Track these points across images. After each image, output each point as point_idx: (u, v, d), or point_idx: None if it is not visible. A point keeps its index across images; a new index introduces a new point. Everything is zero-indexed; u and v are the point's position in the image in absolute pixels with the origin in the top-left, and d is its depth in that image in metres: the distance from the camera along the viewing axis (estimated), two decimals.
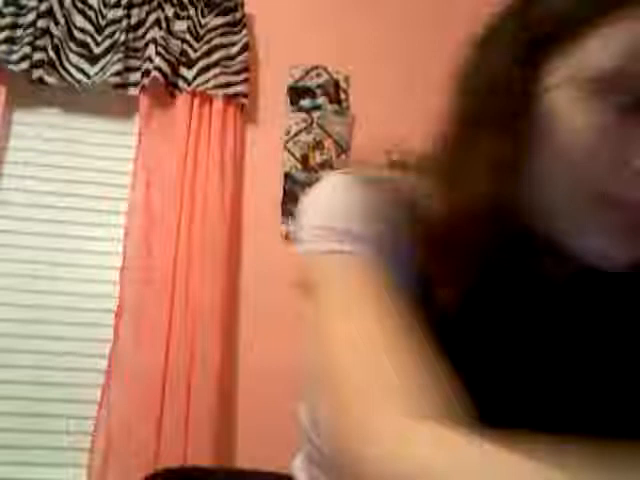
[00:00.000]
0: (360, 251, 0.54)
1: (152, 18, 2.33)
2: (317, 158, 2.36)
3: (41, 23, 2.25)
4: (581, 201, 0.49)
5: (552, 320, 0.55)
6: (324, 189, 0.60)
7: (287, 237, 2.28)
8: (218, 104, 2.29)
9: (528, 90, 0.51)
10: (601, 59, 0.47)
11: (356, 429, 0.45)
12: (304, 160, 2.36)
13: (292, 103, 2.42)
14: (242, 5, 2.40)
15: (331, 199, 0.59)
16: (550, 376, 0.54)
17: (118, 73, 2.25)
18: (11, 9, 2.26)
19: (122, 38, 2.28)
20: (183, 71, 2.32)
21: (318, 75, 2.45)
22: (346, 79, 2.45)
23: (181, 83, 2.31)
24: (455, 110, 0.58)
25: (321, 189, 0.61)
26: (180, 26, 2.35)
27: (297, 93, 2.43)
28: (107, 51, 2.29)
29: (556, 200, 0.51)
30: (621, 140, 0.47)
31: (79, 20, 2.31)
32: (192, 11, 2.37)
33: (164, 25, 2.32)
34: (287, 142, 2.37)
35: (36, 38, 2.23)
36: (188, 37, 2.34)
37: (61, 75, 2.25)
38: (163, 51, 2.28)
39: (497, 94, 0.53)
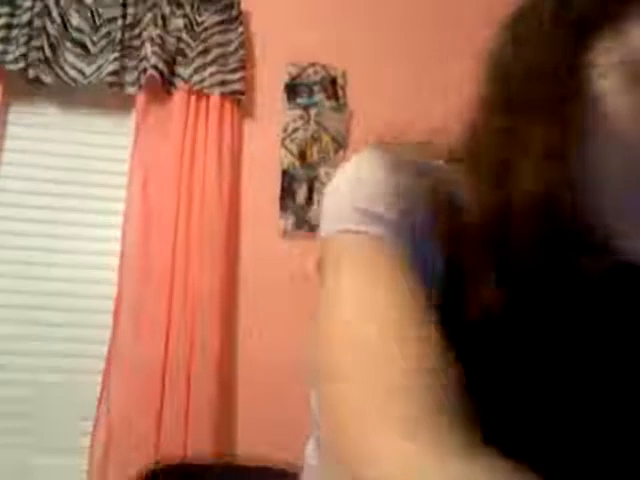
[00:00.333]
0: (377, 232, 0.51)
1: (148, 16, 2.33)
2: (315, 154, 2.36)
3: (37, 22, 2.25)
4: (636, 185, 0.46)
5: (593, 317, 0.51)
6: (349, 169, 0.58)
7: (285, 233, 2.28)
8: (215, 102, 2.29)
9: (577, 73, 0.49)
10: None
11: (353, 449, 0.42)
12: (302, 156, 2.36)
13: (289, 100, 2.42)
14: (238, 2, 2.40)
15: (355, 179, 0.56)
16: (588, 370, 0.51)
17: (115, 72, 2.25)
18: (6, 9, 2.25)
19: (118, 36, 2.28)
20: (179, 69, 2.32)
21: (315, 71, 2.45)
22: (343, 75, 2.46)
23: (178, 81, 2.31)
24: (488, 98, 0.55)
25: (346, 169, 0.58)
26: (176, 24, 2.35)
27: (294, 90, 2.43)
28: (103, 50, 2.29)
29: (610, 188, 0.48)
30: None
31: (75, 19, 2.31)
32: (188, 9, 2.36)
33: (160, 23, 2.32)
34: (284, 139, 2.38)
35: (32, 37, 2.23)
36: (184, 35, 2.34)
37: (57, 74, 2.25)
38: (159, 49, 2.28)
39: (542, 79, 0.50)
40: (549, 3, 0.52)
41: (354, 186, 0.55)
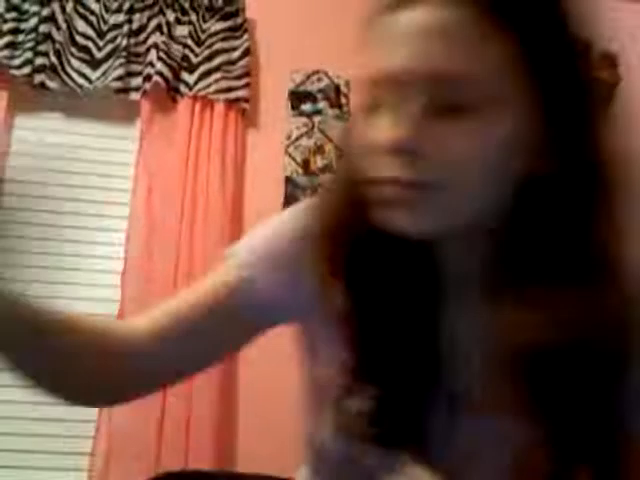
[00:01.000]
0: (238, 265, 0.66)
1: (153, 23, 2.34)
2: (318, 162, 2.37)
3: (43, 28, 2.26)
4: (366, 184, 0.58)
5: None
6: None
7: None
8: (219, 109, 2.30)
9: None
10: None
11: None
12: (305, 164, 2.36)
13: (293, 108, 2.42)
14: (243, 10, 2.41)
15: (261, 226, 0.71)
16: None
17: (120, 78, 2.26)
18: (13, 14, 2.26)
19: (124, 43, 2.29)
20: (184, 76, 2.33)
21: (319, 80, 2.45)
22: (347, 84, 2.46)
23: (182, 88, 2.32)
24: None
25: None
26: (181, 31, 2.36)
27: (298, 98, 2.43)
28: (109, 56, 2.30)
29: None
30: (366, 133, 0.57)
31: (81, 25, 2.32)
32: (193, 16, 2.37)
33: (165, 30, 2.33)
34: (288, 147, 2.38)
35: (38, 43, 2.24)
36: (189, 42, 2.35)
37: (63, 80, 2.26)
38: (164, 56, 2.29)
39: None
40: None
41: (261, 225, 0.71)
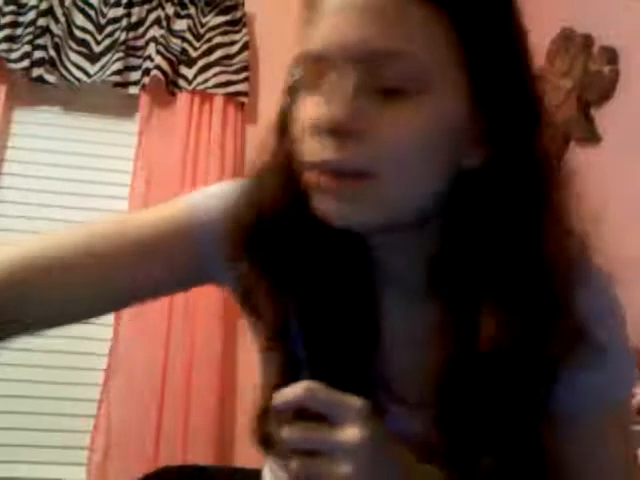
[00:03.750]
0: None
1: (152, 17, 2.33)
2: None
3: (41, 21, 2.25)
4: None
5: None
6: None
7: None
8: (218, 103, 2.29)
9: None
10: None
11: None
12: None
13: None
14: (242, 4, 2.40)
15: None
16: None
17: (118, 72, 2.25)
18: (11, 7, 2.25)
19: (122, 37, 2.28)
20: (183, 70, 2.32)
21: None
22: None
23: (181, 82, 2.31)
24: None
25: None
26: (180, 25, 2.35)
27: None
28: (107, 50, 2.29)
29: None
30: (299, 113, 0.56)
31: (79, 19, 2.31)
32: (192, 10, 2.36)
33: (164, 24, 2.32)
34: None
35: (36, 36, 2.23)
36: (188, 36, 2.34)
37: (61, 73, 2.25)
38: (163, 50, 2.28)
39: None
40: None
41: None
